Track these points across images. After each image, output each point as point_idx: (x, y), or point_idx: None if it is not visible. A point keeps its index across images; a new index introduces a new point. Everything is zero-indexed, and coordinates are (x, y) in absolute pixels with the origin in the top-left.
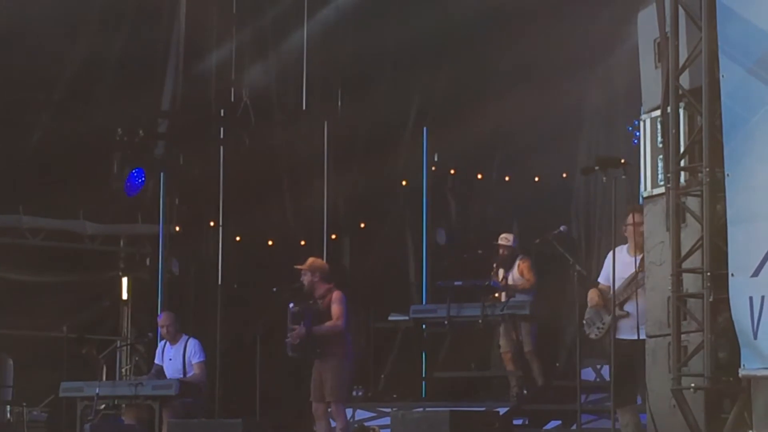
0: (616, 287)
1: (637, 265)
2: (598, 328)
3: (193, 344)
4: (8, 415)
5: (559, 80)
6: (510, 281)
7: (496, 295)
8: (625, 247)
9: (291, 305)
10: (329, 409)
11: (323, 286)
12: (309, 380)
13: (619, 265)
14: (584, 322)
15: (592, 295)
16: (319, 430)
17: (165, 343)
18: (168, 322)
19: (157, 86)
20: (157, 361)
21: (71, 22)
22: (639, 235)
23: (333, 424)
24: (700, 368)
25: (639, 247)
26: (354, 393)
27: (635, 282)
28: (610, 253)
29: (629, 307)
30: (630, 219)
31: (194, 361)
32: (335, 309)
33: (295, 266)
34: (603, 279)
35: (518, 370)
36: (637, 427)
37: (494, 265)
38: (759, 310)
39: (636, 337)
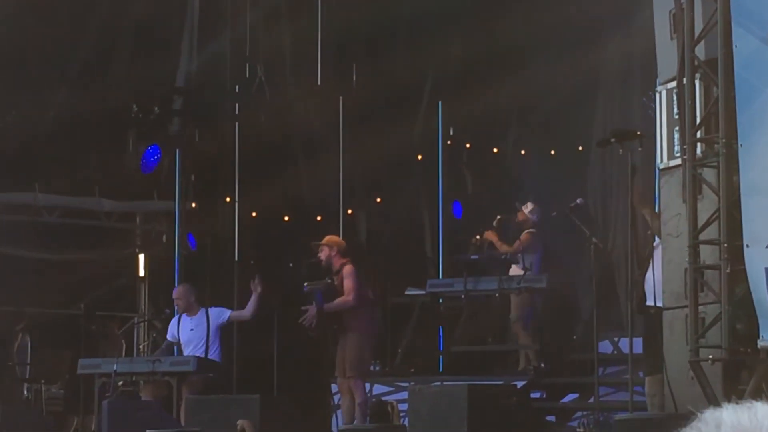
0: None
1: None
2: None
3: (214, 312)
4: (26, 392)
5: (574, 53)
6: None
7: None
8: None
9: (305, 286)
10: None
11: (340, 260)
12: (326, 356)
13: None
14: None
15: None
16: (344, 404)
17: (180, 317)
18: (181, 294)
19: (172, 63)
20: (169, 336)
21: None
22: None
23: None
24: (717, 340)
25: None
26: (371, 368)
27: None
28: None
29: (650, 272)
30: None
31: (227, 315)
32: (347, 283)
33: (313, 243)
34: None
35: (535, 343)
36: (663, 397)
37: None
38: None
39: (654, 304)
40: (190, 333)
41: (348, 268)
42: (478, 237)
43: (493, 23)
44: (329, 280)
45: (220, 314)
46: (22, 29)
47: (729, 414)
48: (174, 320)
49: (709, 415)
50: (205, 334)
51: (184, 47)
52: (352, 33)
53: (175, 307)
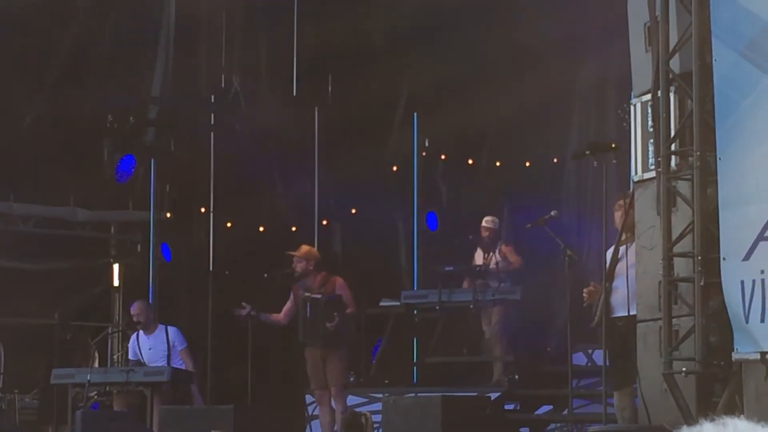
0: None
1: (619, 239)
2: (594, 312)
3: (174, 332)
4: None
5: (549, 65)
6: (492, 265)
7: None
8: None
9: (313, 296)
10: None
11: (318, 274)
12: (300, 367)
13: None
14: (593, 314)
15: (589, 289)
16: (323, 417)
17: (138, 334)
18: (139, 310)
19: (148, 73)
20: (131, 356)
21: (61, 8)
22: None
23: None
24: (691, 352)
25: (627, 228)
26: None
27: (616, 258)
28: (607, 253)
29: (619, 281)
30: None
31: (180, 348)
32: (347, 295)
33: (289, 252)
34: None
35: (509, 355)
36: (634, 410)
37: (476, 249)
38: (750, 294)
39: (627, 314)
40: (149, 352)
41: (341, 281)
42: None
43: (468, 35)
44: (317, 296)
45: (179, 340)
46: None
47: (712, 430)
48: (133, 338)
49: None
50: (165, 352)
51: (159, 57)
52: (327, 44)
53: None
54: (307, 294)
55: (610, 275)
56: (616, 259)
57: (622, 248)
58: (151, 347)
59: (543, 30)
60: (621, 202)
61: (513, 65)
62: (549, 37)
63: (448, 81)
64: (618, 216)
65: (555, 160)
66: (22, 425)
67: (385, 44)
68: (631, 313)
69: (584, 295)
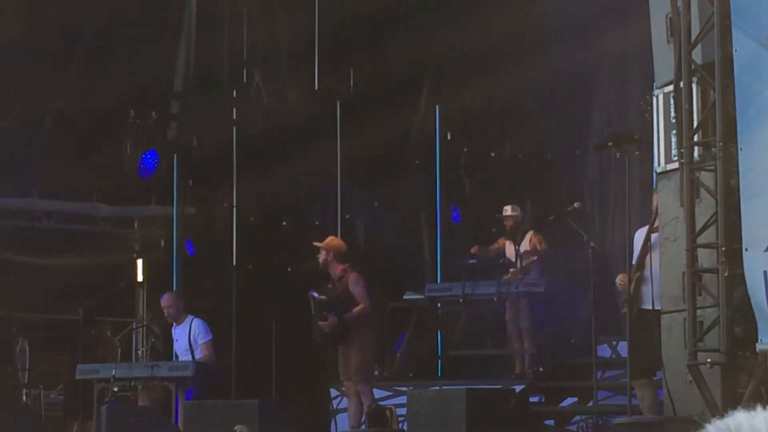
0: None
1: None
2: (625, 302)
3: (198, 324)
4: (25, 398)
5: (572, 57)
6: (520, 253)
7: (511, 271)
8: (645, 228)
9: (314, 293)
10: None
11: (339, 266)
12: (325, 360)
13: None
14: (621, 303)
15: (622, 279)
16: (350, 407)
17: (174, 325)
18: (168, 303)
19: (169, 67)
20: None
21: (82, 4)
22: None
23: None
24: (715, 343)
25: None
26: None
27: (646, 245)
28: (636, 234)
29: (648, 272)
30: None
31: (200, 341)
32: (358, 291)
33: (314, 243)
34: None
35: (534, 347)
36: (655, 401)
37: (500, 239)
38: None
39: (652, 307)
40: (175, 344)
41: (354, 276)
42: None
43: (490, 25)
44: (330, 286)
45: (199, 332)
46: (19, 33)
47: (745, 418)
48: (173, 329)
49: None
50: (187, 345)
51: (181, 52)
52: (349, 35)
53: (167, 315)
54: (310, 292)
55: (641, 263)
56: (647, 246)
57: (654, 236)
58: (178, 338)
59: (563, 22)
60: None
61: (535, 57)
62: (571, 29)
63: (470, 74)
64: (656, 198)
65: (577, 152)
66: (48, 421)
67: (405, 36)
68: (656, 307)
69: (618, 284)
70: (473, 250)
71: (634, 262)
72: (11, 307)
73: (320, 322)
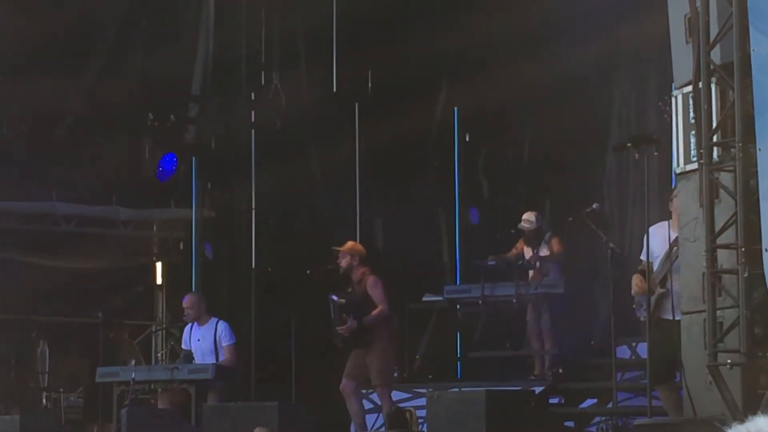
0: (657, 264)
1: (671, 239)
2: (645, 309)
3: (223, 327)
4: (45, 401)
5: (590, 58)
6: (537, 258)
7: (530, 274)
8: (667, 222)
9: (334, 296)
10: (361, 391)
11: (360, 269)
12: (344, 362)
13: (661, 240)
14: (633, 306)
15: (636, 281)
16: (351, 407)
17: (192, 325)
18: (190, 304)
19: (187, 70)
20: (184, 345)
21: (99, 7)
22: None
23: (367, 405)
24: (735, 344)
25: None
26: None
27: (669, 258)
28: (651, 229)
29: (669, 286)
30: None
31: (224, 343)
32: (376, 294)
33: (333, 247)
34: (644, 256)
35: (553, 348)
36: (677, 401)
37: (519, 242)
38: None
39: (671, 318)
40: (197, 343)
41: (372, 279)
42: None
43: (507, 26)
44: (350, 290)
45: (224, 335)
46: (36, 36)
47: (765, 422)
48: (187, 329)
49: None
50: (212, 345)
51: (199, 54)
52: (367, 36)
53: (185, 316)
54: (329, 295)
55: (664, 279)
56: (669, 261)
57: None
58: (200, 339)
59: (580, 23)
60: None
61: (553, 58)
62: (587, 31)
63: (489, 74)
64: (675, 204)
65: (596, 153)
66: (68, 424)
67: (423, 35)
68: (677, 318)
69: (634, 287)
70: (491, 259)
71: (642, 257)
72: (31, 310)
73: (339, 327)
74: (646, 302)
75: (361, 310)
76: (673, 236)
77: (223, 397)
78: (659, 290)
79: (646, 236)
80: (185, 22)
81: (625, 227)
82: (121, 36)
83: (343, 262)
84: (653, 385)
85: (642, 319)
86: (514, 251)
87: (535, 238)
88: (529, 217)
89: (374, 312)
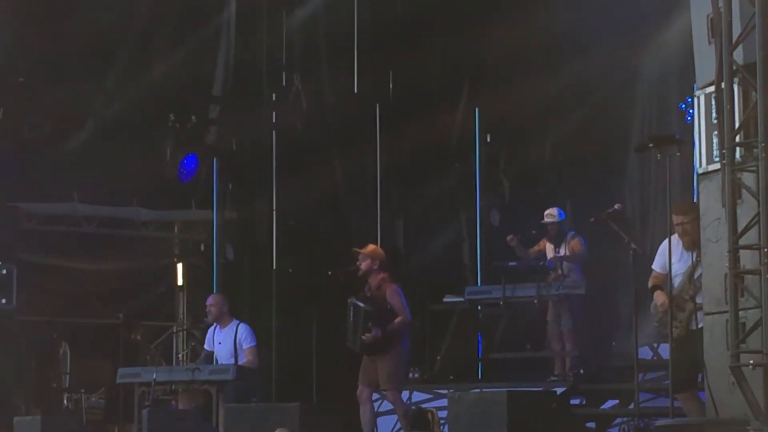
0: (674, 280)
1: (694, 258)
2: (676, 327)
3: (243, 329)
4: (66, 402)
5: (611, 59)
6: (558, 257)
7: (551, 274)
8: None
9: (358, 302)
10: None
11: (379, 275)
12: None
13: (675, 256)
14: (654, 323)
15: (661, 299)
16: (363, 414)
17: (215, 327)
18: (214, 302)
19: (209, 72)
20: (207, 346)
21: (122, 10)
22: (686, 234)
23: (387, 407)
24: (758, 345)
25: (694, 245)
26: (410, 375)
27: (696, 279)
28: (665, 242)
29: (699, 299)
30: (676, 220)
31: (245, 346)
32: (396, 304)
33: (354, 249)
34: (658, 267)
35: (575, 349)
36: (701, 408)
37: (542, 240)
38: None
39: (696, 327)
40: (218, 346)
41: (392, 288)
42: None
43: (529, 28)
44: (368, 294)
45: (245, 337)
46: (59, 40)
47: None
48: (210, 331)
49: None
50: (232, 348)
51: (220, 56)
52: (388, 38)
53: (207, 315)
54: (351, 299)
55: (693, 295)
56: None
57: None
58: (221, 341)
59: (604, 23)
60: (681, 218)
61: (575, 59)
62: (610, 32)
63: (509, 76)
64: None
65: (617, 154)
66: (89, 425)
67: (444, 38)
68: (700, 326)
69: (659, 306)
70: (510, 238)
71: (655, 267)
72: (52, 311)
73: (365, 335)
74: (674, 319)
75: (386, 319)
76: (686, 254)
77: (242, 398)
78: (690, 305)
79: (664, 246)
80: (207, 23)
81: (647, 228)
82: (142, 38)
83: (363, 265)
84: (675, 393)
85: (674, 335)
86: (536, 248)
87: (557, 237)
88: (551, 211)
89: (396, 321)
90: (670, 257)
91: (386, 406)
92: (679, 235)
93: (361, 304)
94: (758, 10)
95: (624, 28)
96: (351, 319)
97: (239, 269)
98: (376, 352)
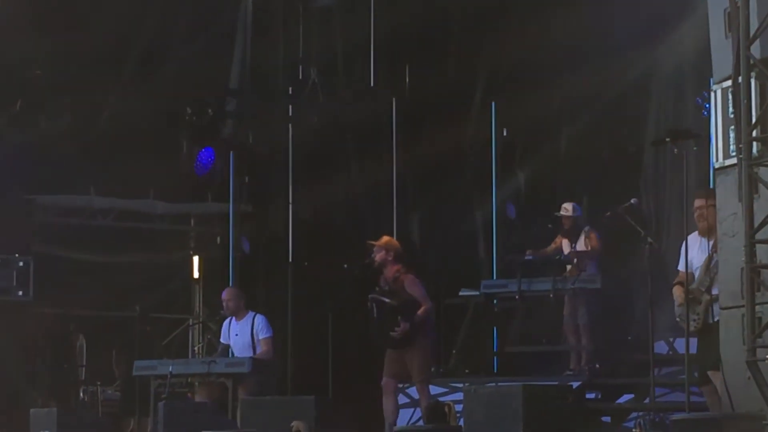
0: (695, 273)
1: (710, 248)
2: (693, 320)
3: (260, 320)
4: (82, 394)
5: (627, 53)
6: (575, 252)
7: (568, 268)
8: (696, 232)
9: (383, 298)
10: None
11: (394, 266)
12: (381, 356)
13: (694, 250)
14: (677, 318)
15: (678, 293)
16: (387, 406)
17: (231, 319)
18: (230, 296)
19: (225, 65)
20: (222, 339)
21: (139, 1)
22: (703, 219)
23: (404, 400)
24: None
25: (710, 230)
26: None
27: (712, 267)
28: (688, 238)
29: (714, 290)
30: (697, 203)
31: (261, 336)
32: (418, 293)
33: (369, 241)
34: (682, 267)
35: (590, 344)
36: (715, 399)
37: (557, 237)
38: None
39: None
40: (235, 338)
41: (411, 278)
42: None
43: (545, 23)
44: (386, 288)
45: (261, 328)
46: (75, 32)
47: None
48: (225, 323)
49: None
50: (249, 340)
51: (237, 49)
52: (404, 34)
53: (223, 309)
54: (373, 294)
55: (710, 287)
56: (709, 267)
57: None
58: (238, 333)
59: (620, 18)
60: (701, 202)
61: (591, 53)
62: (626, 26)
63: (525, 69)
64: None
65: (633, 149)
66: (105, 417)
67: (461, 33)
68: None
69: (677, 298)
70: (529, 253)
71: (679, 268)
72: (69, 304)
73: (394, 330)
74: (692, 313)
75: (412, 311)
76: (704, 243)
77: (258, 390)
78: (706, 297)
79: (684, 246)
80: (224, 18)
81: (663, 222)
82: (160, 31)
83: (378, 257)
84: (700, 386)
85: (692, 329)
86: (552, 246)
87: (573, 231)
88: (567, 206)
89: (420, 311)
90: (687, 255)
91: (402, 399)
92: (696, 220)
93: (386, 300)
94: None
95: (641, 23)
96: (375, 315)
97: (255, 262)
98: (406, 345)
